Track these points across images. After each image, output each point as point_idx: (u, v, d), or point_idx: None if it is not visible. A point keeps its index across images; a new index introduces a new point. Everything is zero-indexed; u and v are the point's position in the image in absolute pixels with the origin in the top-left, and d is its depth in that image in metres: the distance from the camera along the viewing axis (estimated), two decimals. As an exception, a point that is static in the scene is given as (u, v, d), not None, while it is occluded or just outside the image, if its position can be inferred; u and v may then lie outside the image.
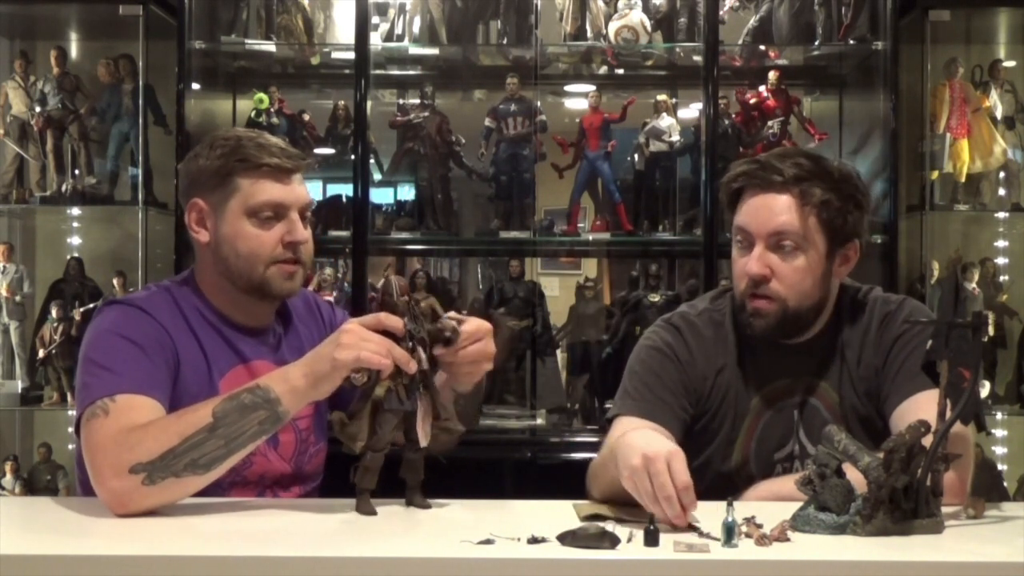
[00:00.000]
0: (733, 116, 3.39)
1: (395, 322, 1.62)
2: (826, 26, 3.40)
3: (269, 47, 3.47)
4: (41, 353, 3.38)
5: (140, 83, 3.41)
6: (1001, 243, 3.65)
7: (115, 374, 1.69)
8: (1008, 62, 3.55)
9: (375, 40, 3.40)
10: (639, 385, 1.92)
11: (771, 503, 1.72)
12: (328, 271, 3.55)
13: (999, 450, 3.52)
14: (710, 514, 1.51)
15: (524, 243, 3.43)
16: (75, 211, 3.56)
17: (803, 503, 1.54)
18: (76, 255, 3.55)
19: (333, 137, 3.52)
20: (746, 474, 1.93)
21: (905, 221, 3.46)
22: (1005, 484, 3.09)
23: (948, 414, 1.55)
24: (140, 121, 3.41)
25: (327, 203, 3.51)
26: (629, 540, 1.42)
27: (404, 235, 3.46)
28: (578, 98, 3.70)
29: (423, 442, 1.64)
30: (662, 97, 3.44)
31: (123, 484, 1.58)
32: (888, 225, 3.28)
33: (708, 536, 1.45)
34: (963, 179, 3.45)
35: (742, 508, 1.52)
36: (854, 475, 1.54)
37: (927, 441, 1.53)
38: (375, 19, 3.42)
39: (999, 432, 3.51)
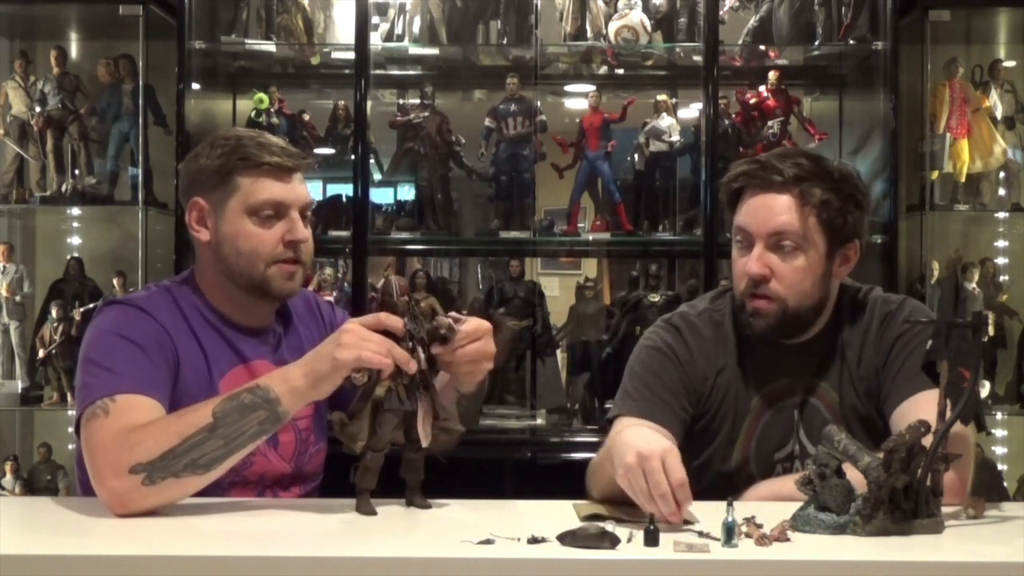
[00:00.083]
0: (733, 116, 3.39)
1: (395, 322, 1.62)
2: (826, 26, 3.40)
3: (269, 47, 3.47)
4: (41, 353, 3.38)
5: (140, 83, 3.41)
6: (1001, 243, 3.65)
7: (115, 374, 1.69)
8: (1008, 62, 3.55)
9: (375, 40, 3.40)
10: (639, 385, 1.92)
11: (771, 503, 1.72)
12: (328, 271, 3.55)
13: (999, 450, 3.52)
14: (710, 514, 1.51)
15: (524, 243, 3.43)
16: (75, 211, 3.56)
17: (803, 503, 1.54)
18: (76, 255, 3.55)
19: (333, 137, 3.51)
20: (746, 474, 1.93)
21: (905, 221, 3.46)
22: (1005, 484, 3.09)
23: (948, 414, 1.55)
24: (140, 121, 3.41)
25: (327, 203, 3.51)
26: (629, 540, 1.42)
27: (404, 235, 3.46)
28: (578, 98, 3.70)
29: (423, 442, 1.64)
30: (662, 97, 3.43)
31: (123, 484, 1.58)
32: (888, 225, 3.28)
33: (708, 536, 1.45)
34: (963, 179, 3.45)
35: (742, 508, 1.52)
36: (854, 475, 1.54)
37: (927, 441, 1.53)
38: (375, 19, 3.42)
39: (999, 432, 3.51)
